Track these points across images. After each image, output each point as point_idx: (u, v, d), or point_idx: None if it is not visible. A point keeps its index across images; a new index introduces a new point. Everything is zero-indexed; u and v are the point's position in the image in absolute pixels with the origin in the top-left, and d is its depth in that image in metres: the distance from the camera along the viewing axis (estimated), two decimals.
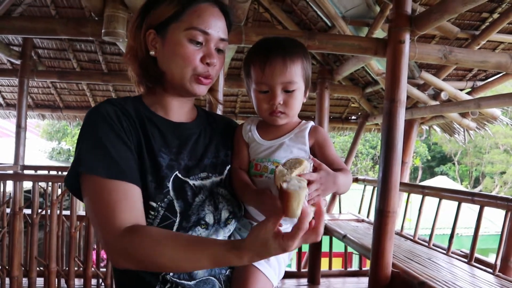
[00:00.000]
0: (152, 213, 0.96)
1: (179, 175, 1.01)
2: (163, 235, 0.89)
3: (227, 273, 1.07)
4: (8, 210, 3.47)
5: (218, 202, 1.05)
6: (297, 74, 1.07)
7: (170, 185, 0.98)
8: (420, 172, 22.27)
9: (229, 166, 1.13)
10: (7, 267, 3.40)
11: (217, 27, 1.02)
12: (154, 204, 0.96)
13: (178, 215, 0.97)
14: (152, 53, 1.04)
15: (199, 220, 1.00)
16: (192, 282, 0.99)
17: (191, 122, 1.14)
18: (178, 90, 1.05)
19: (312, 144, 1.10)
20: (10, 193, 3.43)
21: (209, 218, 1.02)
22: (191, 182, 1.02)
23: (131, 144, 0.97)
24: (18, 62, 4.96)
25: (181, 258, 0.86)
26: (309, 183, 0.85)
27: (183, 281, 0.98)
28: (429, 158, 22.24)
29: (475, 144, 21.12)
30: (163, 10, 1.01)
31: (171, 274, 0.98)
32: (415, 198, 4.28)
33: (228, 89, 5.58)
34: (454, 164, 22.58)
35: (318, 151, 1.09)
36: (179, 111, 1.11)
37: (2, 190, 3.47)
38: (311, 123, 1.14)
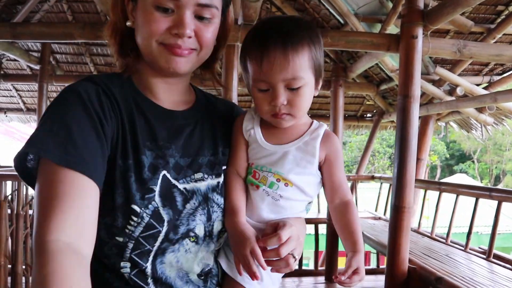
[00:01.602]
0: (135, 219, 0.79)
1: (168, 176, 0.84)
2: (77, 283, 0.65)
3: None
4: (31, 212, 3.57)
5: (212, 211, 0.89)
6: (302, 67, 0.86)
7: (157, 189, 0.82)
8: (438, 171, 21.95)
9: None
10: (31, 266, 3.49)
11: None
12: (137, 209, 0.79)
13: (166, 224, 0.82)
14: (128, 23, 0.87)
15: (188, 232, 0.85)
16: None
17: (186, 110, 0.94)
18: (154, 67, 0.87)
19: (323, 158, 0.92)
20: (33, 196, 3.52)
21: (199, 230, 0.86)
22: (181, 186, 0.85)
23: (105, 137, 0.79)
24: (37, 67, 5.10)
25: None
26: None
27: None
28: (448, 156, 21.91)
29: (495, 142, 20.73)
30: None
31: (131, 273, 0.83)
32: (433, 196, 4.24)
33: (242, 89, 5.58)
34: (473, 162, 22.19)
35: (326, 169, 0.92)
36: (168, 94, 0.91)
37: (25, 192, 3.57)
38: (324, 128, 0.95)
